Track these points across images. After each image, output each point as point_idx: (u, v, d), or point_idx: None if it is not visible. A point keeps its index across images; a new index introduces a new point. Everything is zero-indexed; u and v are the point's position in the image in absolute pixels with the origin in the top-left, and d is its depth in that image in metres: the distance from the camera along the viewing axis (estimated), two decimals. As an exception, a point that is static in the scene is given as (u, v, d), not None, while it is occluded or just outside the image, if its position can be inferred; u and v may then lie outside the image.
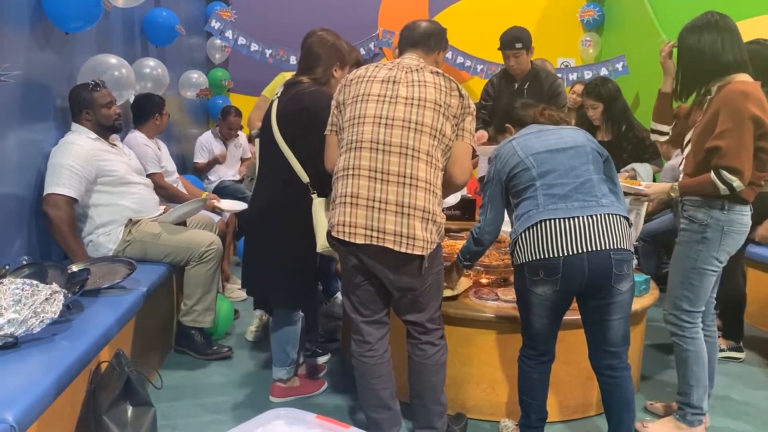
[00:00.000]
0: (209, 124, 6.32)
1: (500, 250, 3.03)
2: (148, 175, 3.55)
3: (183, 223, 3.34)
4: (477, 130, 3.65)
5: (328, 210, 2.23)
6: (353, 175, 2.07)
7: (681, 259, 2.42)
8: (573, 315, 2.27)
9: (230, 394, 2.84)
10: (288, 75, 3.25)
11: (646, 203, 2.77)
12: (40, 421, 1.75)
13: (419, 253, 2.05)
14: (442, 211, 2.15)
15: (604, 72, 5.95)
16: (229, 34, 5.95)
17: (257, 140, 2.86)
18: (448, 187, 2.20)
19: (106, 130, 3.07)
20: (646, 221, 3.72)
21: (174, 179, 4.09)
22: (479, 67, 6.27)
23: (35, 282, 2.13)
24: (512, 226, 2.26)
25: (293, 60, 6.00)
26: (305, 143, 2.42)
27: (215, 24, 5.90)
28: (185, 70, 5.53)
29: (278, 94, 2.58)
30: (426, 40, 2.27)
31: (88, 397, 2.14)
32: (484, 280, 2.89)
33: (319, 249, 2.40)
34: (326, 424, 1.44)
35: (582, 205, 2.12)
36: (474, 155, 2.41)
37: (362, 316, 2.21)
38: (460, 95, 2.13)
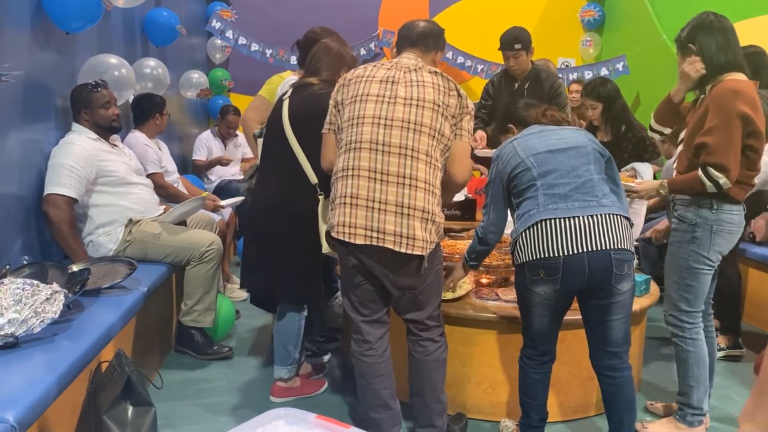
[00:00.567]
0: (210, 124, 6.32)
1: (500, 251, 3.03)
2: (148, 175, 3.55)
3: (183, 223, 3.34)
4: (475, 130, 3.66)
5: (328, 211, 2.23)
6: (353, 175, 2.07)
7: (674, 259, 2.42)
8: (574, 315, 2.27)
9: (230, 394, 2.84)
10: (286, 76, 3.25)
11: (646, 203, 2.77)
12: (40, 421, 1.75)
13: (419, 253, 2.05)
14: (442, 210, 2.15)
15: (604, 72, 5.95)
16: (229, 34, 5.95)
17: (260, 139, 2.86)
18: (449, 186, 2.20)
19: (104, 130, 3.07)
20: (646, 221, 3.72)
21: (174, 179, 4.09)
22: (479, 67, 6.27)
23: (36, 282, 2.13)
24: (514, 226, 2.27)
25: (293, 60, 5.99)
26: (317, 144, 2.42)
27: (216, 24, 5.90)
28: (186, 70, 5.53)
29: (287, 95, 2.58)
30: (424, 39, 2.27)
31: (89, 397, 2.14)
32: (484, 280, 2.89)
33: (324, 251, 2.42)
34: (326, 424, 1.44)
35: (582, 205, 2.12)
36: (472, 155, 2.41)
37: (362, 316, 2.21)
38: (459, 95, 2.14)
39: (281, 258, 2.55)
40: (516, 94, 3.79)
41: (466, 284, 2.73)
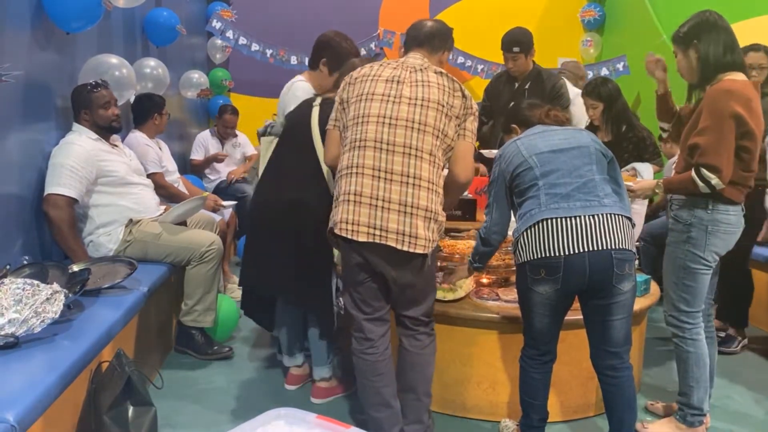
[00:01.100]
0: (210, 124, 6.32)
1: (501, 251, 3.02)
2: (148, 175, 3.55)
3: (183, 223, 3.34)
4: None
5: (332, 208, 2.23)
6: (357, 173, 2.09)
7: (671, 259, 2.43)
8: (575, 315, 2.27)
9: (231, 394, 2.84)
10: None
11: (646, 203, 2.78)
12: (40, 421, 1.75)
13: (421, 251, 2.07)
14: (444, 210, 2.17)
15: (605, 72, 5.95)
16: (229, 34, 5.94)
17: (263, 138, 2.86)
18: (452, 186, 2.21)
19: (104, 130, 3.07)
20: (646, 221, 3.72)
21: (175, 179, 4.09)
22: (480, 67, 6.27)
23: (36, 282, 2.13)
24: (516, 226, 2.27)
25: (294, 60, 6.00)
26: None
27: (216, 24, 5.90)
28: (186, 70, 5.53)
29: (317, 104, 2.58)
30: (430, 39, 2.28)
31: (89, 397, 2.14)
32: (484, 280, 2.89)
33: (336, 260, 2.45)
34: (327, 424, 1.44)
35: (584, 205, 2.12)
36: (478, 155, 2.43)
37: (363, 314, 2.22)
38: (463, 96, 2.16)
39: (291, 261, 2.55)
40: (516, 94, 3.79)
41: (466, 284, 2.73)
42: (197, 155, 5.45)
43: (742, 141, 2.25)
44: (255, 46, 6.00)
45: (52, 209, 2.78)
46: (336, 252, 2.48)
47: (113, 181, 3.05)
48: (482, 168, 3.88)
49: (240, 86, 6.53)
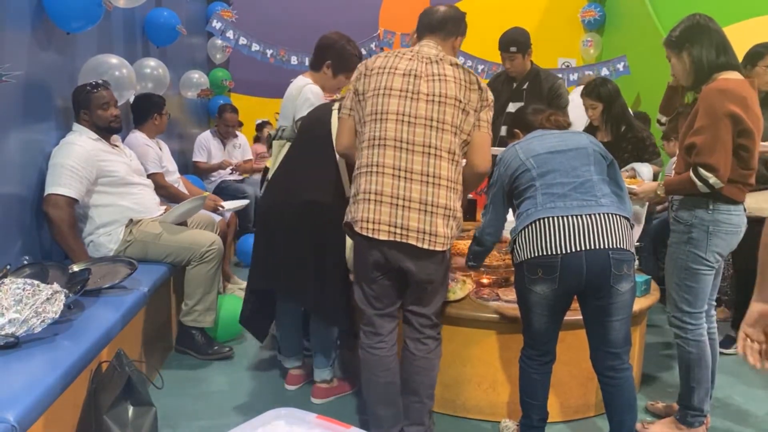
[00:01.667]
0: (210, 124, 6.33)
1: (501, 251, 3.03)
2: (149, 176, 3.55)
3: (184, 223, 3.34)
4: None
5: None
6: (377, 172, 2.10)
7: (673, 260, 2.43)
8: (574, 315, 2.27)
9: (231, 394, 2.84)
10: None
11: (647, 204, 2.77)
12: (41, 421, 1.75)
13: (440, 249, 2.10)
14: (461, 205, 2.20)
15: (605, 72, 5.95)
16: (230, 34, 5.95)
17: (275, 141, 2.85)
18: (470, 176, 2.22)
19: (102, 130, 3.07)
20: (646, 221, 3.72)
21: (175, 179, 4.09)
22: (480, 67, 6.27)
23: (36, 282, 2.13)
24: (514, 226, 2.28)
25: (294, 60, 6.01)
26: None
27: (216, 24, 5.90)
28: (186, 70, 5.53)
29: (335, 107, 2.57)
30: (443, 25, 2.27)
31: (89, 397, 2.14)
32: (485, 281, 2.89)
33: (349, 264, 2.46)
34: (327, 424, 1.44)
35: (581, 204, 2.13)
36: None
37: (375, 309, 2.23)
38: (479, 88, 2.16)
39: (311, 263, 2.55)
40: (515, 94, 3.78)
41: (466, 285, 2.73)
42: (200, 157, 5.46)
43: (740, 139, 2.25)
44: (255, 46, 6.01)
45: (53, 209, 2.78)
46: (347, 249, 2.48)
47: (113, 181, 3.05)
48: None
49: (240, 86, 6.54)
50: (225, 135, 5.59)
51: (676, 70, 2.42)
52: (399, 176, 2.08)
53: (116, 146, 3.19)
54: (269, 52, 6.04)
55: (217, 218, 3.80)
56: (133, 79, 3.53)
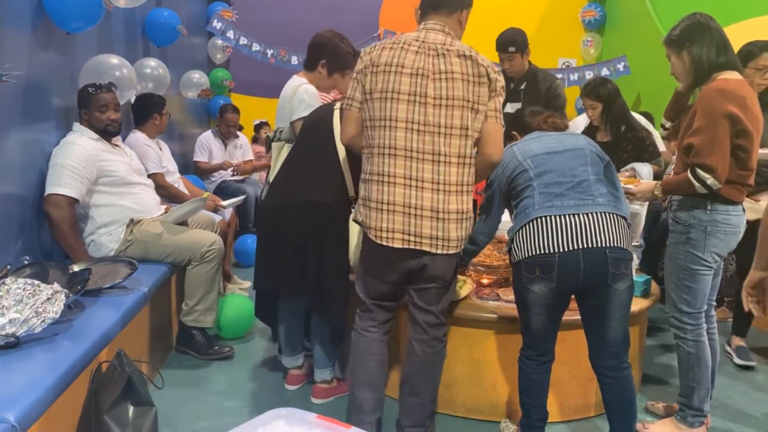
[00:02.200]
0: (210, 124, 6.33)
1: (501, 251, 3.03)
2: (149, 176, 3.55)
3: (184, 223, 3.34)
4: None
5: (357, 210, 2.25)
6: (389, 182, 2.11)
7: (671, 260, 2.43)
8: (574, 315, 2.27)
9: (231, 394, 2.84)
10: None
11: (646, 205, 2.78)
12: (41, 421, 1.75)
13: (454, 252, 2.13)
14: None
15: (605, 72, 5.95)
16: (230, 34, 5.95)
17: (274, 143, 2.84)
18: (483, 166, 2.19)
19: (99, 132, 3.07)
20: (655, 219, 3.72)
21: (175, 179, 4.09)
22: (480, 67, 6.26)
23: (37, 282, 2.13)
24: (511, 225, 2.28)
25: (294, 60, 6.01)
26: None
27: (217, 24, 5.90)
28: (186, 70, 5.53)
29: (336, 107, 2.57)
30: (446, 1, 2.20)
31: (89, 397, 2.14)
32: (485, 281, 2.89)
33: (351, 263, 2.46)
34: (327, 424, 1.44)
35: (578, 203, 2.14)
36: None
37: (373, 300, 2.26)
38: (489, 79, 2.10)
39: (312, 263, 2.55)
40: (512, 95, 3.78)
41: (466, 284, 2.74)
42: (201, 157, 5.47)
43: (738, 140, 2.25)
44: (255, 46, 6.01)
45: (53, 209, 2.78)
46: (351, 248, 2.49)
47: (114, 181, 3.05)
48: None
49: (240, 86, 6.53)
50: (226, 135, 5.59)
51: (675, 69, 2.42)
52: (410, 185, 2.10)
53: (117, 146, 3.19)
54: (270, 52, 6.04)
55: (218, 218, 3.80)
56: (134, 79, 3.53)
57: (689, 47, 2.32)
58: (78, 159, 2.85)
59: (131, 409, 2.18)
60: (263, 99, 6.52)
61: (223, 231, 3.76)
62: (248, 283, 4.08)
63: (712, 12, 2.37)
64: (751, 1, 4.59)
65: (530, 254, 2.12)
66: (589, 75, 5.99)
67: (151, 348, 2.94)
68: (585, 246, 2.08)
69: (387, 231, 2.12)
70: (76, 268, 2.64)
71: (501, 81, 2.15)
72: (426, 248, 2.10)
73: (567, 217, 2.11)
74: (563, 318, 2.26)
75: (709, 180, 2.22)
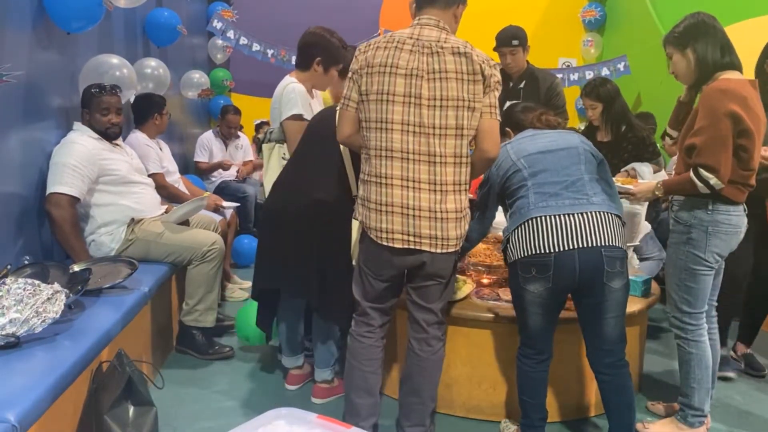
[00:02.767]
0: (211, 124, 6.33)
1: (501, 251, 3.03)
2: (149, 175, 3.55)
3: (185, 223, 3.34)
4: None
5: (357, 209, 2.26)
6: (386, 184, 2.12)
7: (672, 260, 2.43)
8: (573, 314, 2.28)
9: (231, 393, 2.84)
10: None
11: (646, 205, 2.78)
12: (41, 421, 1.75)
13: (453, 250, 2.14)
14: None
15: (605, 72, 5.95)
16: (230, 34, 5.94)
17: (264, 145, 2.84)
18: (480, 162, 2.19)
19: (99, 133, 3.07)
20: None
21: (175, 179, 4.09)
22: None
23: (37, 282, 2.13)
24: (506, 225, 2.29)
25: (294, 60, 6.00)
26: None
27: (217, 24, 5.90)
28: (187, 70, 5.53)
29: (339, 108, 2.57)
30: None
31: (90, 397, 2.14)
32: (485, 281, 2.90)
33: (354, 262, 2.46)
34: (328, 424, 1.44)
35: (572, 203, 2.14)
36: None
37: (370, 302, 2.26)
38: (483, 75, 2.09)
39: (315, 264, 2.55)
40: (511, 94, 3.78)
41: (466, 285, 2.74)
42: (202, 157, 5.47)
43: (739, 140, 2.24)
44: (256, 46, 6.00)
45: (55, 208, 2.78)
46: (353, 241, 2.49)
47: (115, 180, 3.05)
48: None
49: (241, 86, 6.53)
50: (227, 136, 5.59)
51: (677, 67, 2.40)
52: (407, 186, 2.10)
53: (117, 145, 3.19)
54: (270, 52, 6.03)
55: (218, 218, 3.81)
56: (134, 79, 3.53)
57: (694, 45, 2.31)
58: (79, 158, 2.85)
59: (131, 409, 2.18)
60: (263, 99, 6.49)
61: (223, 231, 3.76)
62: (248, 283, 4.08)
63: (713, 12, 2.37)
64: (751, 1, 4.59)
65: (526, 254, 2.13)
66: (589, 75, 5.98)
67: (151, 348, 2.94)
68: (580, 246, 2.09)
69: (387, 232, 2.13)
70: (76, 267, 2.64)
71: (496, 76, 2.12)
72: (426, 248, 2.11)
73: (562, 217, 2.12)
74: (563, 317, 2.27)
75: (712, 180, 2.22)
